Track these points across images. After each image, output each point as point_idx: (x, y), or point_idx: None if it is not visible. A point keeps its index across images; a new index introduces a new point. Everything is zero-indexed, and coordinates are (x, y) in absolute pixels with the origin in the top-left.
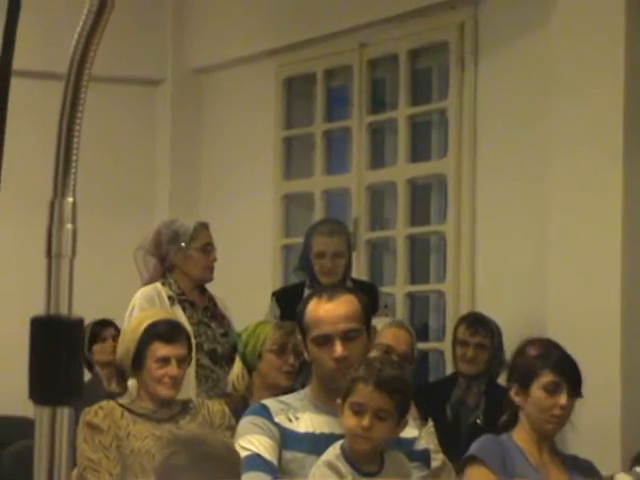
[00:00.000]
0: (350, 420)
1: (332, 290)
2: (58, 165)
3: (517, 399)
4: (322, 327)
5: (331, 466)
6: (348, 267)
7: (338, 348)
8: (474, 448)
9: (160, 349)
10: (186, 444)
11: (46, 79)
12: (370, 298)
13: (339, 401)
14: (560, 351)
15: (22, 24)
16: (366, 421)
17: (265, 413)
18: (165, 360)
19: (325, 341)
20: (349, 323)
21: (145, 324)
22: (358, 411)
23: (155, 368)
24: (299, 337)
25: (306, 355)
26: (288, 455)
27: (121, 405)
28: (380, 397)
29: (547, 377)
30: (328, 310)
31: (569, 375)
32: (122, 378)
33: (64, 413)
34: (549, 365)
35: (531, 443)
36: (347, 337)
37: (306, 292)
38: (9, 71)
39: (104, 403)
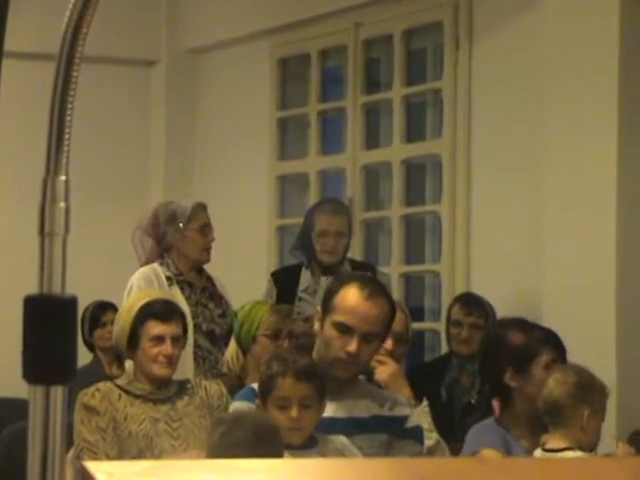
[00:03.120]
0: (277, 416)
1: (374, 287)
2: (51, 143)
3: (513, 383)
4: (349, 317)
5: None
6: (347, 248)
7: (354, 344)
8: (480, 441)
9: (154, 328)
10: (241, 421)
11: (40, 60)
12: None
13: (258, 402)
14: (542, 328)
15: (14, 6)
16: (294, 412)
17: (253, 397)
18: (160, 339)
19: (345, 331)
20: (374, 327)
21: (140, 304)
22: (283, 405)
23: (149, 347)
24: (318, 308)
25: (317, 327)
26: None
27: (118, 386)
28: (302, 386)
29: (547, 356)
30: (362, 306)
31: (562, 350)
32: (119, 360)
33: (58, 392)
34: (546, 344)
35: (524, 427)
36: (366, 338)
37: (303, 273)
38: (1, 52)
39: (101, 385)
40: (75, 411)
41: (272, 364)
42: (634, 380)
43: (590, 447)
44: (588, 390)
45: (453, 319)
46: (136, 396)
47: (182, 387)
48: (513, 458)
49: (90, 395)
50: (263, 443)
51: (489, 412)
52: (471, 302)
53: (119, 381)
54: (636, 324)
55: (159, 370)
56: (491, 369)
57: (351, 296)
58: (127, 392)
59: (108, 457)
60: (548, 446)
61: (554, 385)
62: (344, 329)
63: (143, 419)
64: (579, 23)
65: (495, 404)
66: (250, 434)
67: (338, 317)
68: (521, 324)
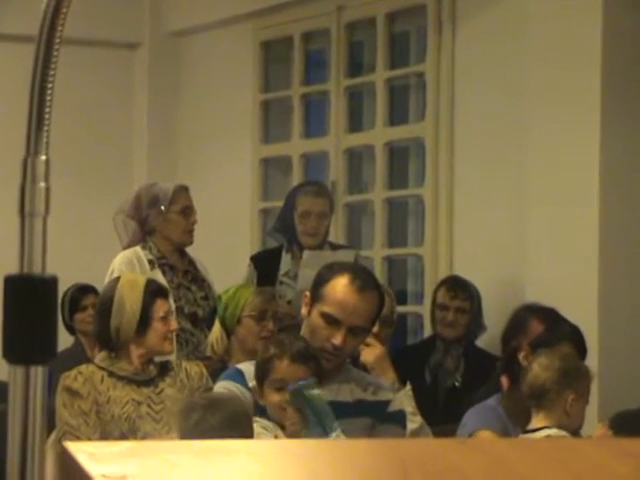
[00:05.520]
0: (273, 397)
1: (365, 279)
2: (31, 123)
3: (525, 363)
4: (337, 310)
5: (264, 426)
6: (328, 230)
7: (340, 337)
8: (477, 422)
9: (162, 306)
10: (215, 405)
11: (21, 41)
12: None
13: (254, 385)
14: (571, 323)
15: None
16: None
17: (239, 378)
18: (166, 316)
19: (332, 322)
20: (362, 321)
21: (141, 284)
22: (280, 387)
23: (161, 326)
24: (307, 293)
25: (304, 311)
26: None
27: (101, 368)
28: (298, 368)
29: (564, 349)
30: (352, 299)
31: (582, 348)
32: (111, 348)
33: (38, 372)
34: (567, 337)
35: (523, 410)
36: (353, 332)
37: (284, 256)
38: None
39: (83, 367)
40: (57, 394)
41: (269, 347)
42: (615, 365)
43: (574, 430)
44: (573, 375)
45: (439, 302)
46: (119, 377)
47: (163, 369)
48: (494, 439)
49: (72, 378)
50: (236, 428)
51: (474, 394)
52: (457, 285)
53: (101, 363)
54: (618, 309)
55: (169, 347)
56: (508, 344)
57: (341, 287)
58: (110, 373)
59: (90, 441)
60: (528, 427)
61: (539, 370)
62: (331, 320)
63: (126, 402)
64: (562, 7)
65: (504, 380)
66: (224, 419)
67: (326, 308)
68: (552, 313)
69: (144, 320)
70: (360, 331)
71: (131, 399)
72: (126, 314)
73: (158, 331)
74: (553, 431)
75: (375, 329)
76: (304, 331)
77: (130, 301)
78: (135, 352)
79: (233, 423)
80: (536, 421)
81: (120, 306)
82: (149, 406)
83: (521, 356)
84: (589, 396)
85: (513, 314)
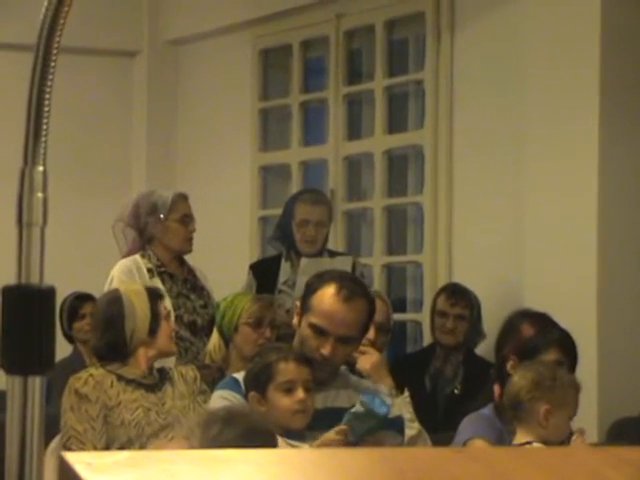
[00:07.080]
0: (283, 401)
1: (352, 289)
2: (28, 133)
3: (512, 372)
4: (324, 321)
5: None
6: (327, 238)
7: (329, 347)
8: (471, 431)
9: (164, 306)
10: (231, 419)
11: (18, 50)
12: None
13: (253, 394)
14: (561, 329)
15: None
16: (301, 393)
17: (235, 387)
18: (168, 316)
19: (320, 333)
20: (350, 330)
21: (142, 289)
22: (289, 389)
23: (167, 325)
24: (297, 303)
25: (295, 321)
26: None
27: (110, 372)
28: (304, 369)
29: (551, 355)
30: (338, 310)
31: (572, 354)
32: (117, 357)
33: (36, 382)
34: (554, 343)
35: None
36: (342, 340)
37: (283, 264)
38: None
39: (93, 370)
40: (64, 396)
41: (267, 354)
42: (615, 371)
43: (555, 442)
44: (547, 386)
45: (438, 309)
46: (128, 381)
47: (164, 374)
48: (490, 448)
49: (83, 381)
50: (253, 443)
51: (473, 402)
52: (456, 293)
53: (110, 366)
54: (617, 314)
55: (174, 346)
56: (499, 354)
57: (328, 298)
58: (119, 377)
59: (95, 448)
60: (513, 443)
61: (516, 380)
62: (319, 331)
63: (136, 407)
64: (560, 13)
65: (496, 389)
66: (239, 435)
67: (314, 319)
68: (541, 319)
69: (154, 320)
70: (350, 340)
71: (141, 405)
72: (139, 316)
73: (165, 330)
74: (536, 446)
75: (371, 336)
76: (296, 340)
77: (139, 305)
78: (144, 355)
79: (249, 439)
80: (519, 435)
81: (131, 311)
82: (157, 413)
83: (509, 365)
84: (574, 407)
85: (506, 320)
